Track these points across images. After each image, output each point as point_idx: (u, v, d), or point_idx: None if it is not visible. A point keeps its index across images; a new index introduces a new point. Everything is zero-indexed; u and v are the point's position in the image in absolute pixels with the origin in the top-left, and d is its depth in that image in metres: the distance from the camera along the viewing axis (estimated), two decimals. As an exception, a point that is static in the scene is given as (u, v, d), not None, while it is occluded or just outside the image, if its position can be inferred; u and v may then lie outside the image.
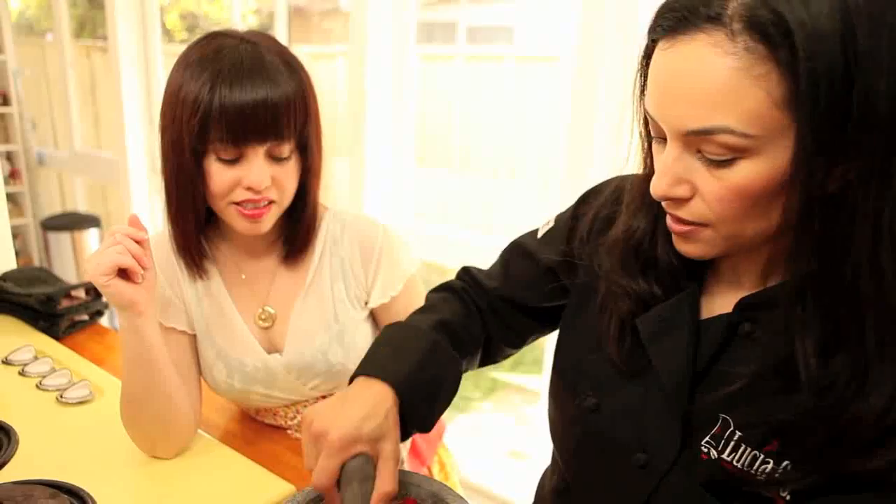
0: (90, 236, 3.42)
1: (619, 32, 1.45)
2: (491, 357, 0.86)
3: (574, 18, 1.55)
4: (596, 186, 0.79)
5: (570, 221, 0.78)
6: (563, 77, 1.79)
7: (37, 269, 1.53)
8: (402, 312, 1.05)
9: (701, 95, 0.50)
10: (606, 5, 1.45)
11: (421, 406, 0.70)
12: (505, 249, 0.86)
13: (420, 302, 1.07)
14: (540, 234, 0.82)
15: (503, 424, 2.91)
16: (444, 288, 0.87)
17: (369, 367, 0.71)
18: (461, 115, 2.25)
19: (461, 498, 0.72)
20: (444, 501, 0.71)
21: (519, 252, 0.83)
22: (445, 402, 0.74)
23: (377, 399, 0.66)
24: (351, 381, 0.72)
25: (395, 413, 0.67)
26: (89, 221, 3.46)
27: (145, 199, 2.93)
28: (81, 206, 3.70)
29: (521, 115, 2.09)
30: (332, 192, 1.04)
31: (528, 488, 0.91)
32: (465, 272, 0.89)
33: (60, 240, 3.35)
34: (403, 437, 0.70)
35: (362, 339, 1.03)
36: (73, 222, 3.42)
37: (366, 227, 1.03)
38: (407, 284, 1.04)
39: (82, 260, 3.39)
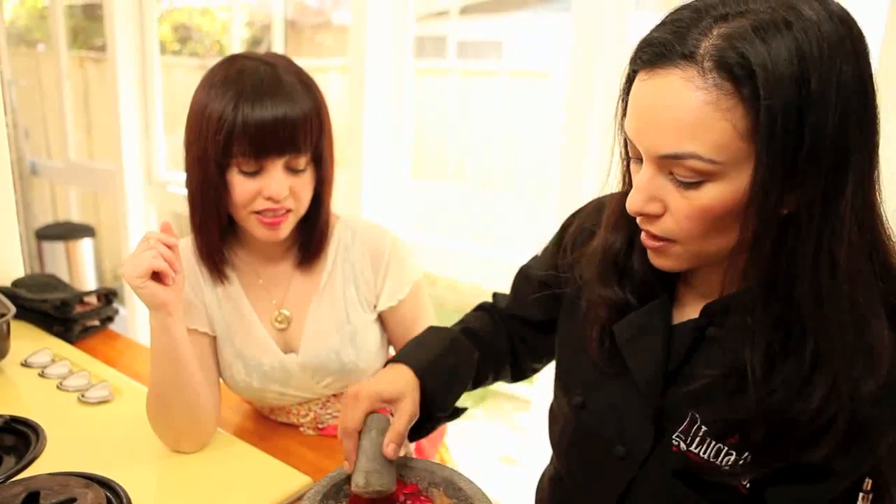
0: (84, 246, 3.44)
1: (610, 48, 1.53)
2: (521, 372, 0.96)
3: (566, 34, 1.63)
4: (582, 206, 0.87)
5: (558, 238, 0.87)
6: (552, 92, 1.88)
7: (47, 275, 1.57)
8: (408, 315, 1.12)
9: (674, 124, 0.55)
10: (598, 22, 1.53)
11: (440, 388, 0.82)
12: (514, 276, 0.95)
13: (426, 306, 1.15)
14: (539, 254, 0.90)
15: (495, 431, 2.97)
16: (478, 308, 0.98)
17: (398, 356, 0.84)
18: (454, 128, 2.32)
19: (472, 482, 0.79)
20: (457, 485, 0.78)
21: (521, 275, 0.93)
22: (461, 386, 0.85)
23: (400, 372, 0.80)
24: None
25: (414, 386, 0.79)
26: (83, 231, 3.48)
27: (141, 209, 2.96)
28: (75, 216, 3.72)
29: (512, 129, 2.17)
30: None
31: (521, 493, 0.97)
32: (494, 296, 0.98)
33: (55, 249, 3.36)
34: (431, 424, 0.83)
35: (372, 339, 1.10)
36: (66, 232, 3.44)
37: (375, 234, 1.10)
38: (413, 289, 1.11)
39: (76, 269, 3.40)
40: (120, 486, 0.89)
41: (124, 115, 2.82)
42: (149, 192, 2.94)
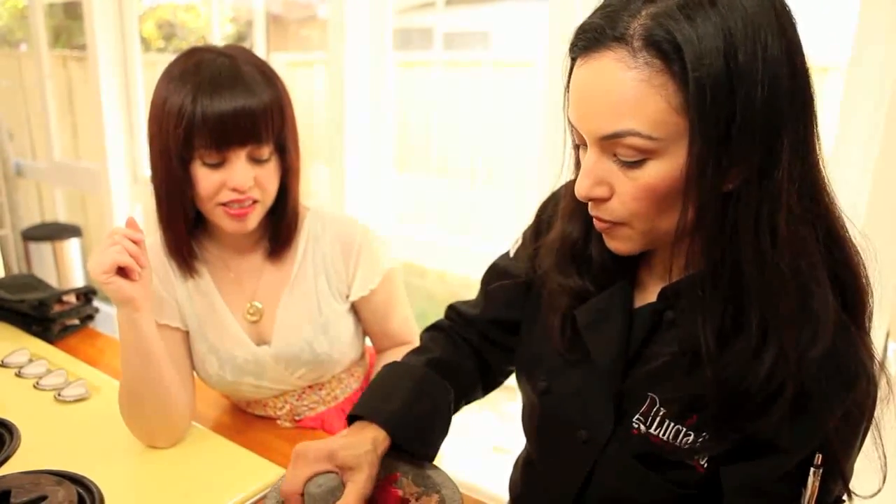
0: (72, 246, 3.43)
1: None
2: (494, 381, 0.92)
3: (544, 25, 1.63)
4: (545, 199, 0.86)
5: (530, 233, 0.85)
6: (538, 82, 1.86)
7: (27, 276, 1.57)
8: (381, 305, 1.12)
9: (611, 104, 0.57)
10: (576, 11, 1.53)
11: (416, 440, 0.77)
12: (483, 275, 0.91)
13: (400, 296, 1.14)
14: (511, 253, 0.88)
15: (486, 421, 2.97)
16: (433, 327, 0.94)
17: (363, 409, 0.78)
18: (439, 121, 2.31)
19: (440, 469, 0.79)
20: (425, 473, 0.78)
21: (495, 274, 0.89)
22: (441, 431, 0.81)
23: (364, 436, 0.73)
24: (349, 422, 0.78)
25: (379, 450, 0.73)
26: (70, 231, 3.47)
27: (126, 208, 2.96)
28: (62, 216, 3.70)
29: (498, 121, 2.15)
30: (312, 198, 1.11)
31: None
32: (451, 309, 0.94)
33: (42, 250, 3.35)
34: None
35: (345, 329, 1.10)
36: (53, 232, 3.43)
37: (345, 225, 1.10)
38: (385, 279, 1.11)
39: (64, 269, 3.40)
40: (93, 483, 0.89)
41: (107, 114, 2.81)
42: (134, 191, 2.93)
